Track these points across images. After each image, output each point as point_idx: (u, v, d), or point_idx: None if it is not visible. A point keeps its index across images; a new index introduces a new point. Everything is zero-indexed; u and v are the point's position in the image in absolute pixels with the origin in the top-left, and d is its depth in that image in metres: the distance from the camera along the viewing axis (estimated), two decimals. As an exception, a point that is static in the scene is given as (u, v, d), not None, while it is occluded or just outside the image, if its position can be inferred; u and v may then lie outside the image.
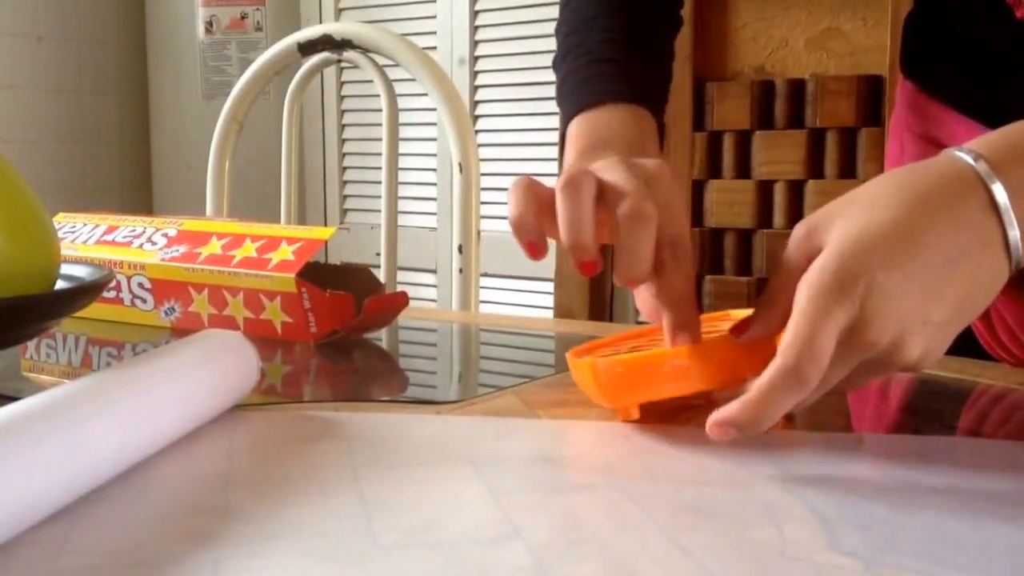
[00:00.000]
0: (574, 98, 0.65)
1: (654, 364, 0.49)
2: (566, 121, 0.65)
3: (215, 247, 0.77)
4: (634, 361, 0.50)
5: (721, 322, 0.58)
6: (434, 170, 2.61)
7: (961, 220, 0.45)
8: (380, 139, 1.25)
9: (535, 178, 0.53)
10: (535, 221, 0.51)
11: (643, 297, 0.54)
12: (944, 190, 0.45)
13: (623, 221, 0.49)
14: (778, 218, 2.07)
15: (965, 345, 0.51)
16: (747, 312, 0.49)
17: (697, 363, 0.48)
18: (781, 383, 0.42)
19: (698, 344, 0.50)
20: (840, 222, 0.45)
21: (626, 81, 0.64)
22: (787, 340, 0.43)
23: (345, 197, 2.80)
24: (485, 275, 2.31)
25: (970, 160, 0.46)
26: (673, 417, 0.51)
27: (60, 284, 0.58)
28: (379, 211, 1.27)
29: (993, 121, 0.68)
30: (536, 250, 0.51)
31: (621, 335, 0.59)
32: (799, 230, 0.47)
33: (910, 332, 0.44)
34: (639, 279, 0.50)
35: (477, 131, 2.44)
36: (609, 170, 0.52)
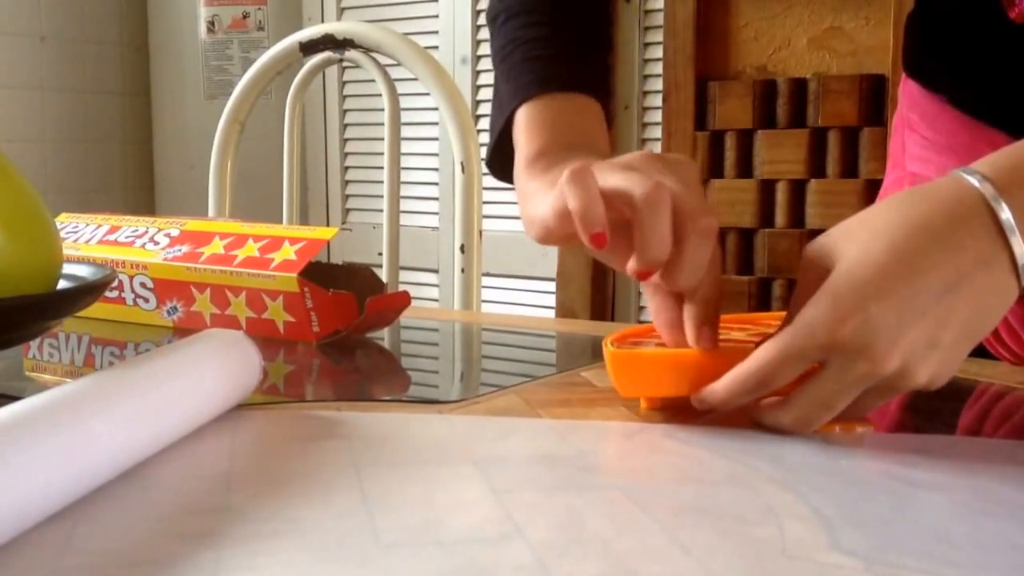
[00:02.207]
0: (517, 85, 0.66)
1: (667, 363, 0.51)
2: (511, 107, 0.66)
3: (217, 247, 0.77)
4: (648, 357, 0.52)
5: (771, 322, 0.59)
6: (436, 170, 2.61)
7: (962, 243, 0.45)
8: (382, 139, 1.25)
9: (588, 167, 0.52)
10: (603, 212, 0.50)
11: (662, 319, 0.54)
12: (946, 214, 0.45)
13: (641, 203, 0.48)
14: (780, 217, 2.07)
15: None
16: None
17: (712, 369, 0.49)
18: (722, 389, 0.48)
19: (715, 350, 0.51)
20: (840, 256, 0.46)
21: (570, 69, 0.65)
22: (757, 355, 0.47)
23: (347, 197, 2.80)
24: (487, 275, 2.31)
25: (975, 182, 0.46)
26: (676, 416, 0.51)
27: (62, 284, 0.58)
28: (381, 211, 1.27)
29: (995, 121, 0.68)
30: (602, 241, 0.49)
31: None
32: (805, 257, 0.48)
33: (916, 358, 0.45)
34: (660, 261, 0.49)
35: (479, 130, 2.43)
36: (646, 166, 0.51)
